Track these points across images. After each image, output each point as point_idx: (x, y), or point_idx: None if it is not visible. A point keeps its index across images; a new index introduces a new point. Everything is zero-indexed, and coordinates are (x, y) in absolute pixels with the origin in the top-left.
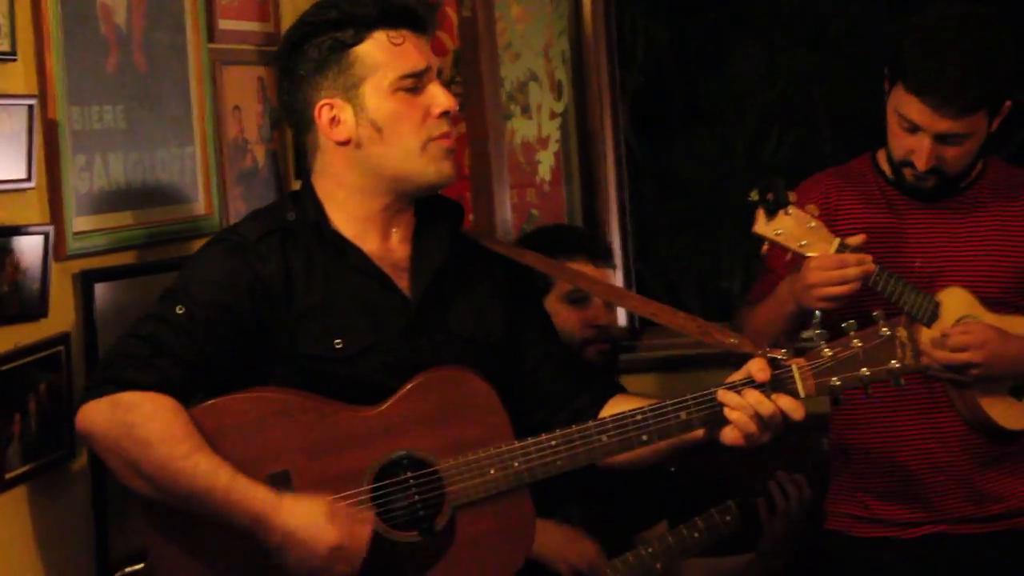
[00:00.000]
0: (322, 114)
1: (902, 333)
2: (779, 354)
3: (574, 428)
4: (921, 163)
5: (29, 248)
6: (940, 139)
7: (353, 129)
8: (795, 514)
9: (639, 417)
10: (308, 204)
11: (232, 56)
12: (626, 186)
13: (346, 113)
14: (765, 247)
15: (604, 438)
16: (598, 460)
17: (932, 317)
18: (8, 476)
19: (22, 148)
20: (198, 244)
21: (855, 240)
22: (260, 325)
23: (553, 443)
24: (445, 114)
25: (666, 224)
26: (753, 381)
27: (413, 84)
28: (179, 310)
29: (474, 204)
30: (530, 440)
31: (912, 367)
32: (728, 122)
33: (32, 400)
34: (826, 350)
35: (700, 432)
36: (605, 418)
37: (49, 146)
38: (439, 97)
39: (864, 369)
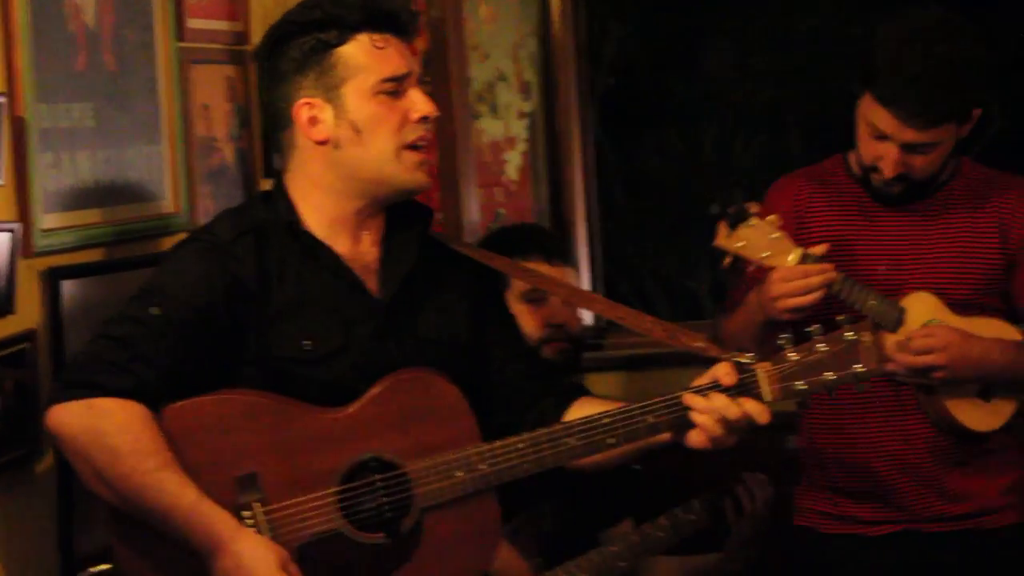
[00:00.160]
0: (301, 113)
1: (866, 337)
2: (745, 358)
3: (541, 431)
4: (888, 170)
5: None
6: (907, 148)
7: (332, 129)
8: (761, 514)
9: (606, 420)
10: (280, 204)
11: (201, 55)
12: (594, 186)
13: (326, 113)
14: (727, 260)
15: (571, 441)
16: (565, 463)
17: (897, 323)
18: None
19: None
20: (166, 242)
21: (818, 250)
22: (235, 326)
23: (520, 446)
24: (424, 119)
25: (635, 224)
26: (719, 385)
27: (394, 88)
28: (154, 311)
29: (442, 203)
30: (497, 443)
31: (876, 371)
32: (697, 122)
33: None
34: (791, 354)
35: (667, 435)
36: (572, 421)
37: (17, 143)
38: (419, 102)
39: (828, 373)
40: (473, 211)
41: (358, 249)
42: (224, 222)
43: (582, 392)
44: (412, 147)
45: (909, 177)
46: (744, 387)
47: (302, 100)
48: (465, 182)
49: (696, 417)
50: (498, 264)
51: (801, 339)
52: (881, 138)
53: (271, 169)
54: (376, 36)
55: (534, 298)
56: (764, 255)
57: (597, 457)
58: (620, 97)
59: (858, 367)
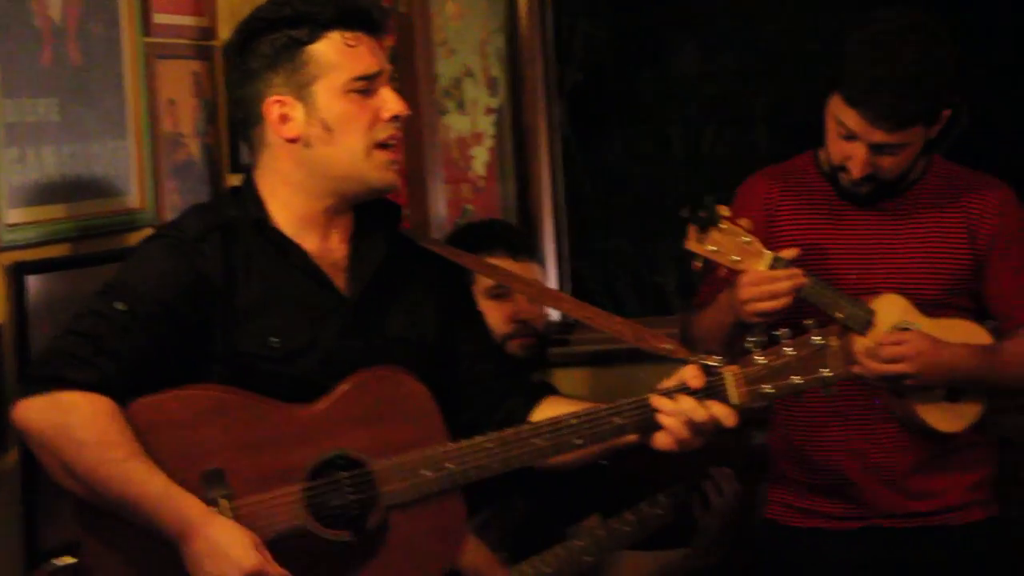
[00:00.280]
0: (272, 110)
1: (834, 342)
2: (713, 361)
3: (509, 431)
4: (856, 171)
5: None
6: (876, 149)
7: (303, 127)
8: (728, 509)
9: (573, 421)
10: (249, 201)
11: (167, 50)
12: (561, 182)
13: (296, 111)
14: (698, 264)
15: (538, 441)
16: (532, 463)
17: (867, 326)
18: None
19: None
20: (132, 237)
21: (788, 254)
22: (201, 323)
23: (487, 445)
24: (395, 118)
25: (602, 219)
26: (687, 387)
27: (365, 86)
28: (120, 306)
29: (408, 199)
30: (464, 442)
31: (843, 376)
32: (665, 119)
33: None
34: (759, 358)
35: (633, 436)
36: (540, 422)
37: None
38: (390, 101)
39: (796, 377)
40: (440, 207)
41: (327, 247)
42: (191, 218)
43: (550, 391)
44: (382, 146)
45: (877, 177)
46: (711, 390)
47: (273, 98)
48: (432, 178)
49: (663, 419)
50: (465, 261)
51: (769, 343)
52: (850, 138)
53: (237, 165)
54: (348, 34)
55: (499, 294)
56: (734, 259)
57: (565, 456)
58: (588, 93)
59: (825, 372)
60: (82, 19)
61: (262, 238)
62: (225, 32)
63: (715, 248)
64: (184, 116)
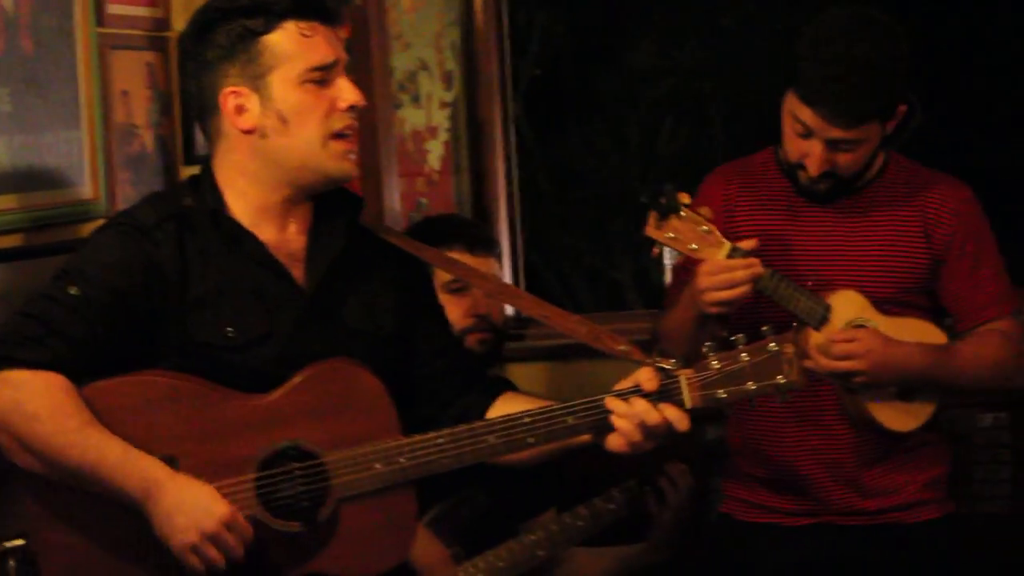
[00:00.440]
0: (228, 101)
1: (789, 349)
2: (668, 364)
3: (462, 428)
4: (813, 168)
5: None
6: (832, 145)
7: (258, 118)
8: (683, 504)
9: (527, 420)
10: (206, 191)
11: (121, 41)
12: (515, 176)
13: (252, 102)
14: (656, 250)
15: (491, 439)
16: (484, 460)
17: (822, 321)
18: None
19: None
20: (85, 228)
21: (747, 244)
22: (153, 311)
23: (440, 441)
24: (352, 108)
25: (558, 213)
26: (641, 390)
27: (321, 76)
28: (73, 291)
29: (363, 193)
30: (417, 437)
31: (797, 384)
32: (622, 114)
33: None
34: (714, 362)
35: (587, 436)
36: (494, 419)
37: None
38: (346, 91)
39: (750, 383)
40: (394, 200)
41: (284, 237)
42: (147, 207)
43: (507, 387)
44: (339, 136)
45: (836, 174)
46: (665, 393)
47: (228, 89)
48: (386, 172)
49: (616, 421)
50: (424, 254)
51: (725, 347)
52: (806, 136)
53: (191, 156)
54: (303, 24)
55: (458, 288)
56: (692, 247)
57: (519, 454)
58: (546, 88)
59: (780, 378)
60: (35, 9)
61: (218, 228)
62: (179, 23)
63: (674, 235)
64: (138, 107)
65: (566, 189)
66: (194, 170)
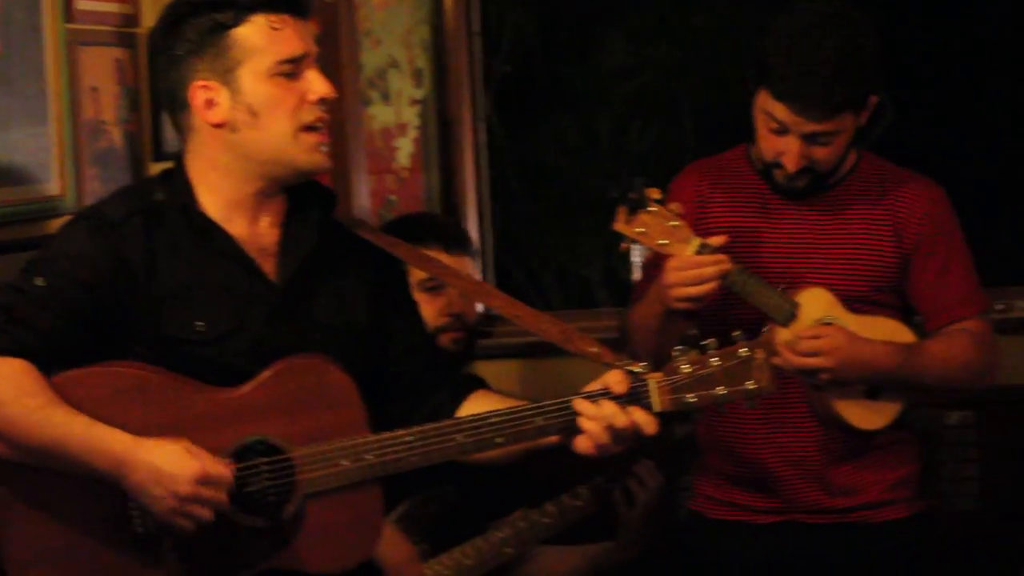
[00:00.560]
0: (197, 95)
1: (760, 355)
2: (638, 367)
3: (430, 426)
4: (791, 164)
5: None
6: (809, 139)
7: (228, 112)
8: (651, 502)
9: (495, 420)
10: (178, 185)
11: (90, 37)
12: (486, 173)
13: (222, 96)
14: (625, 245)
15: (459, 438)
16: (452, 458)
17: (790, 318)
18: None
19: None
20: (52, 224)
21: (716, 241)
22: (121, 304)
23: (408, 439)
24: (322, 101)
25: (528, 211)
26: (610, 392)
27: (291, 69)
28: (39, 282)
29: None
30: (385, 435)
31: (767, 390)
32: (593, 111)
33: None
34: (684, 367)
35: (555, 437)
36: (462, 418)
37: None
38: (316, 84)
39: (720, 388)
40: (363, 198)
41: (256, 232)
42: (117, 201)
43: (479, 385)
44: (310, 128)
45: (813, 170)
46: (634, 396)
47: (198, 83)
48: (355, 168)
49: (584, 423)
50: (400, 252)
51: (696, 351)
52: (781, 132)
53: (160, 152)
54: (272, 17)
55: (433, 287)
56: (661, 242)
57: (488, 454)
58: (516, 85)
59: (750, 384)
60: (4, 5)
61: (188, 223)
62: (148, 19)
63: (643, 230)
64: (106, 103)
65: (536, 186)
66: (163, 166)
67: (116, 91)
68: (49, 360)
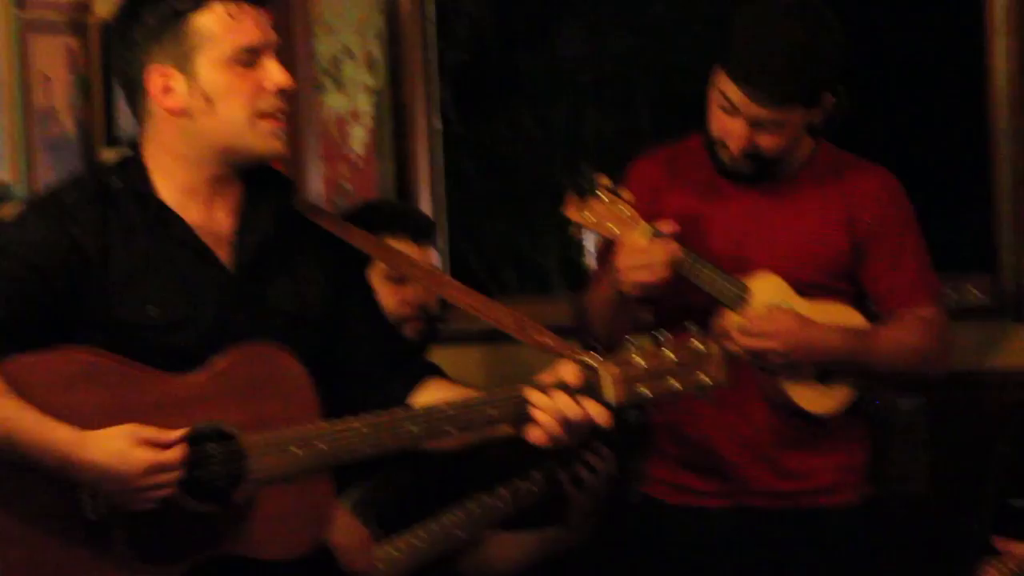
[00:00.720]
0: (154, 81)
1: (713, 349)
2: (592, 360)
3: (383, 415)
4: (734, 146)
5: None
6: (756, 124)
7: (185, 99)
8: (602, 486)
9: (448, 410)
10: (133, 171)
11: (41, 25)
12: (440, 161)
13: (178, 82)
14: (576, 232)
15: (411, 427)
16: (404, 447)
17: (740, 302)
18: None
19: None
20: (3, 210)
21: (667, 227)
22: (74, 289)
23: (359, 428)
24: (281, 92)
25: (484, 199)
26: (563, 384)
27: (249, 58)
28: None
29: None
30: (338, 423)
31: (720, 384)
32: (549, 99)
33: None
34: (638, 359)
35: (507, 427)
36: (415, 408)
37: None
38: (275, 74)
39: (673, 381)
40: (317, 185)
41: (211, 218)
42: (71, 187)
43: (433, 372)
44: (267, 115)
45: (759, 155)
46: (588, 388)
47: (155, 68)
48: (309, 155)
49: (537, 414)
50: (359, 242)
51: (651, 343)
52: (731, 112)
53: (113, 139)
54: (231, 5)
55: (399, 277)
56: (611, 228)
57: (442, 442)
58: (472, 74)
59: (703, 378)
60: None
61: (143, 209)
62: (101, 7)
63: (594, 217)
64: (59, 91)
65: (492, 174)
66: (115, 153)
67: (68, 79)
68: (2, 346)
